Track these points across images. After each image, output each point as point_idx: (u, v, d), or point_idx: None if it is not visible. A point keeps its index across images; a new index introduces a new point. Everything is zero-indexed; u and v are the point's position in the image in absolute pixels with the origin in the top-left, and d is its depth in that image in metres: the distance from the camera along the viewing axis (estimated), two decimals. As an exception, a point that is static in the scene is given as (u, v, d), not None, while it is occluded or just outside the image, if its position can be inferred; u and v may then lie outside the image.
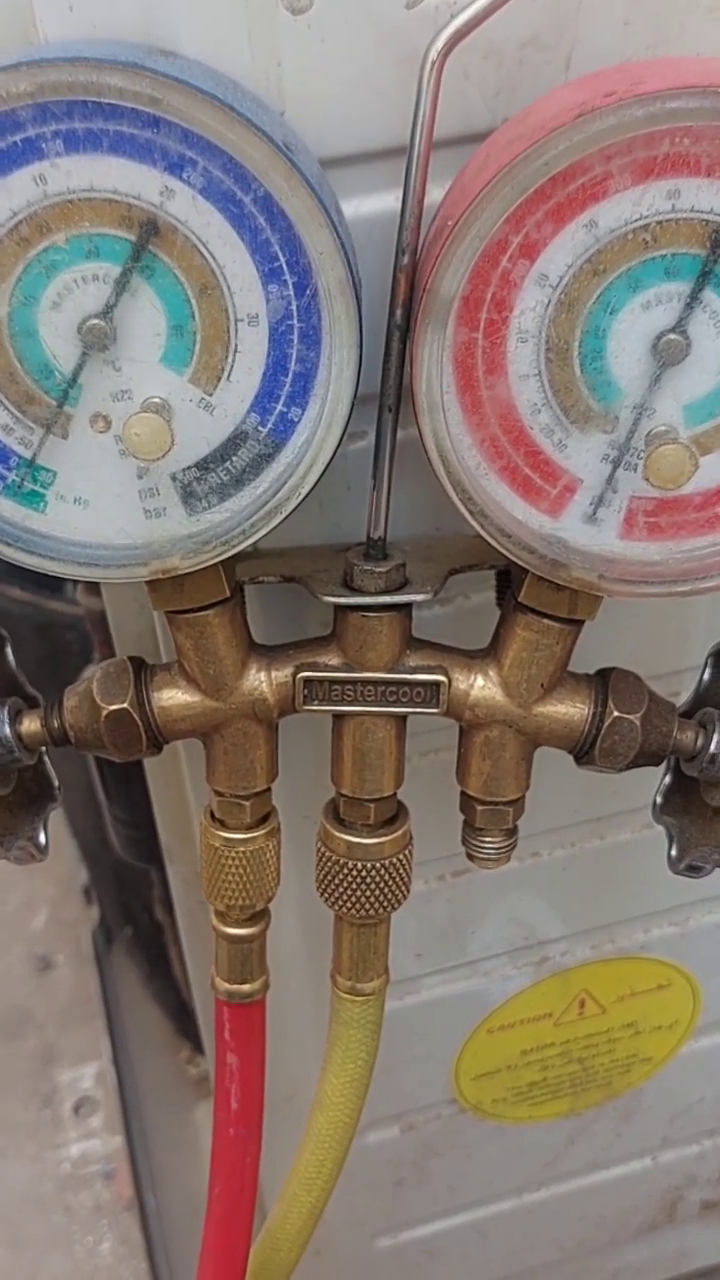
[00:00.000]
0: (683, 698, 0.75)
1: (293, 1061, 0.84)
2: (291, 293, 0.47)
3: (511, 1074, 0.93)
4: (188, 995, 1.15)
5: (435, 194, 0.53)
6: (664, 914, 0.88)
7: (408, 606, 0.56)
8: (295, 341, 0.48)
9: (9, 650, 0.60)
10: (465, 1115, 0.95)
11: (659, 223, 0.46)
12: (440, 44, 0.46)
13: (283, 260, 0.47)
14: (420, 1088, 0.92)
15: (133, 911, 1.31)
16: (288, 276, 0.47)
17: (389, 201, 0.53)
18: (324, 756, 0.61)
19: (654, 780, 0.63)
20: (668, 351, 0.47)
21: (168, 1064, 1.44)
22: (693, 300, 0.47)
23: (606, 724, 0.56)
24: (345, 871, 0.59)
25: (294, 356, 0.48)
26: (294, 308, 0.47)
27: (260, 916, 0.62)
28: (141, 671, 0.57)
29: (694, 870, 0.58)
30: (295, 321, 0.48)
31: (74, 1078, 1.47)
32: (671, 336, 0.47)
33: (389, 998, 0.67)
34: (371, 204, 0.53)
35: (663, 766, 0.60)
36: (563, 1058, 0.93)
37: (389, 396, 0.52)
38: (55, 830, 1.35)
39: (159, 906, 1.16)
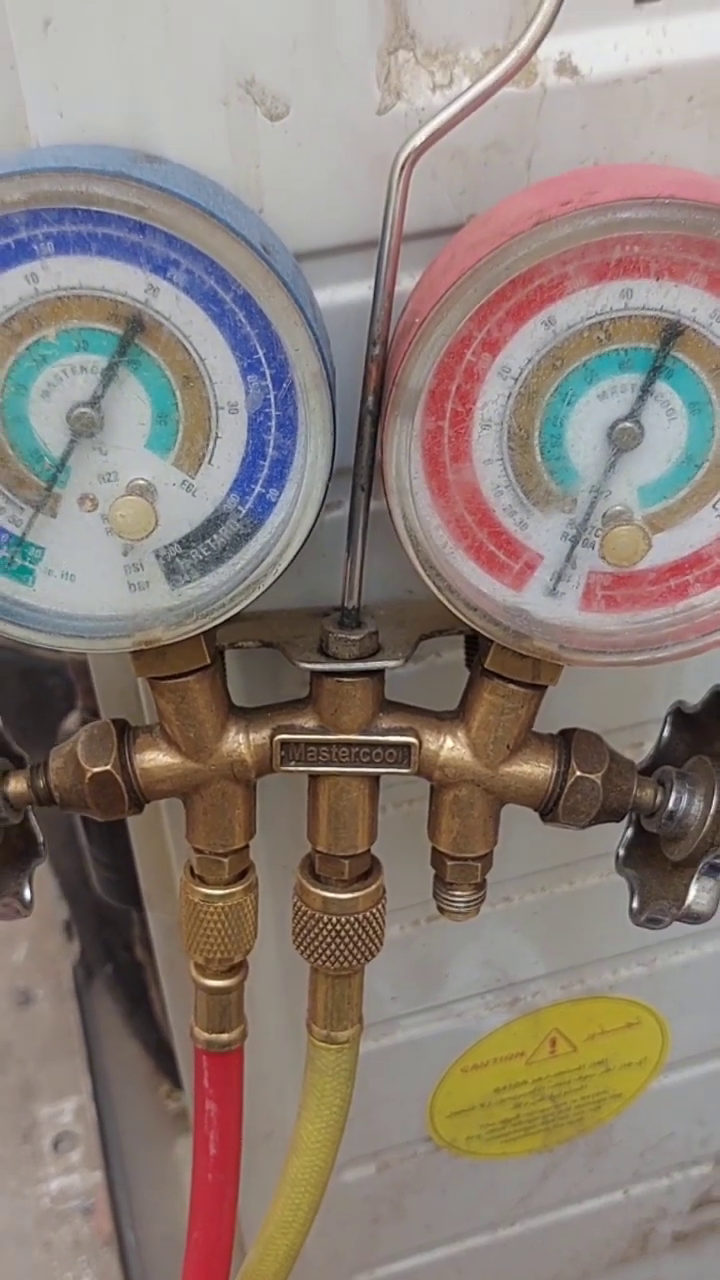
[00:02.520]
0: (645, 749, 0.78)
1: (271, 1101, 0.86)
2: (270, 384, 0.50)
3: (485, 1111, 0.95)
4: (168, 1033, 1.17)
5: (406, 283, 0.56)
6: (632, 954, 0.90)
7: (380, 672, 0.58)
8: (273, 430, 0.51)
9: (-3, 711, 0.63)
10: (440, 1153, 0.97)
11: (613, 320, 0.49)
12: (408, 152, 0.49)
13: (261, 354, 0.50)
14: (396, 1126, 0.94)
15: (113, 949, 1.33)
16: (266, 369, 0.50)
17: (363, 290, 0.56)
18: (303, 809, 0.63)
19: (620, 828, 0.66)
20: (622, 439, 0.50)
21: (147, 1099, 1.45)
22: (645, 391, 0.50)
23: (569, 783, 0.59)
24: (320, 925, 0.61)
25: (271, 443, 0.51)
26: (272, 398, 0.50)
27: (238, 968, 0.64)
28: (125, 734, 0.59)
29: (653, 923, 0.60)
30: (273, 410, 0.51)
31: (54, 1113, 1.48)
32: (626, 425, 0.50)
33: (365, 1039, 0.69)
34: (347, 293, 0.56)
35: (625, 820, 0.63)
36: (535, 1095, 0.96)
37: (362, 476, 0.54)
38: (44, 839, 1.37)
39: (139, 946, 1.18)
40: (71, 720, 0.93)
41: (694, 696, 0.64)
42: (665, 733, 0.64)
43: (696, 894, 0.57)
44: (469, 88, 0.49)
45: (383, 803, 0.65)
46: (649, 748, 0.68)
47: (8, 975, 1.60)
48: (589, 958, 0.89)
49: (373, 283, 0.52)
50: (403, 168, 0.50)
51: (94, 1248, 1.35)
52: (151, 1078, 1.42)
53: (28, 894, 0.62)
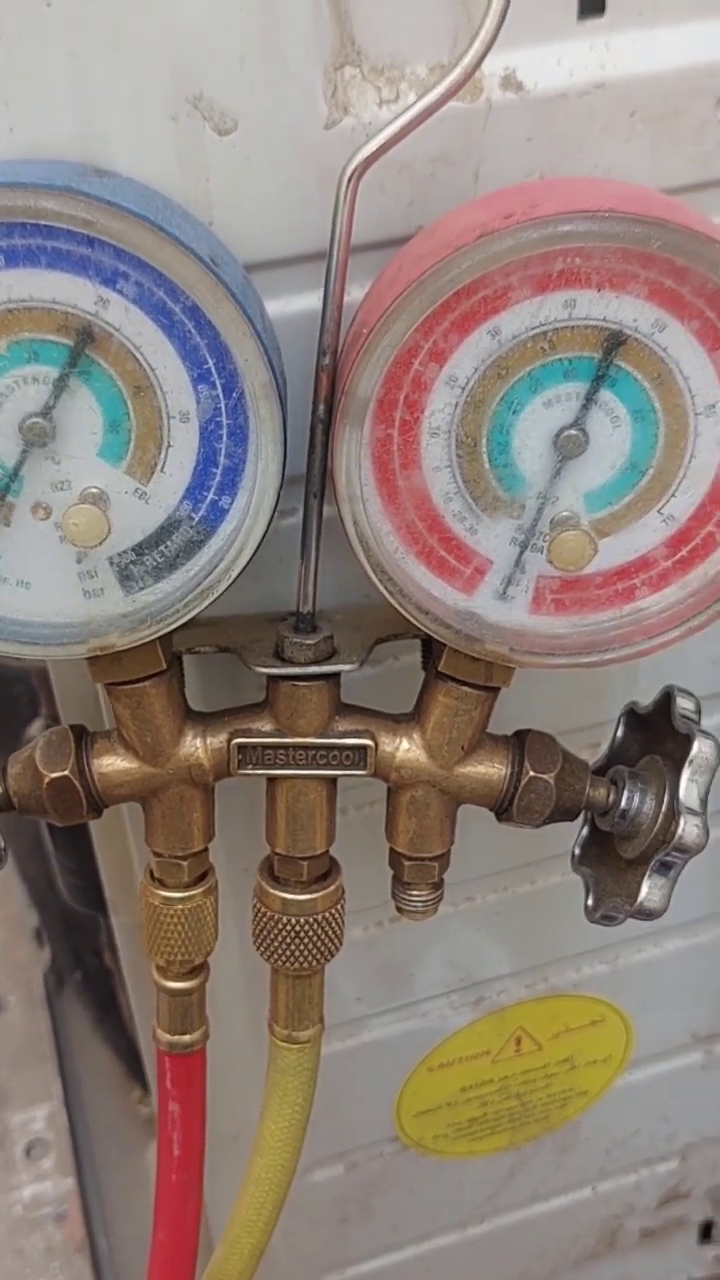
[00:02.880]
0: (601, 749, 0.79)
1: (236, 1102, 0.87)
2: (220, 393, 0.51)
3: (452, 1110, 0.96)
4: (137, 1038, 1.17)
5: (356, 293, 0.57)
6: (595, 953, 0.91)
7: (336, 675, 0.59)
8: (224, 438, 0.52)
9: (-43, 718, 0.63)
10: (407, 1152, 0.98)
11: (556, 330, 0.50)
12: (354, 166, 0.50)
13: (211, 364, 0.50)
14: (362, 1126, 0.95)
15: (82, 956, 1.33)
16: (216, 379, 0.51)
17: (313, 301, 0.57)
18: (262, 812, 0.64)
19: (576, 827, 0.67)
20: (567, 446, 0.52)
21: (119, 1105, 1.45)
22: (589, 399, 0.51)
23: (523, 783, 0.60)
24: (280, 926, 0.62)
25: (223, 452, 0.52)
26: (222, 407, 0.51)
27: (199, 970, 0.65)
28: (83, 739, 0.60)
29: (608, 920, 0.61)
30: (224, 419, 0.51)
31: (25, 1119, 1.48)
32: (571, 432, 0.51)
33: (330, 1040, 0.70)
34: (298, 303, 0.57)
35: (580, 819, 0.64)
36: (501, 1093, 0.97)
37: (314, 484, 0.55)
38: (5, 873, 1.37)
39: (107, 951, 1.19)
40: (35, 727, 0.93)
41: (648, 698, 0.65)
42: (619, 733, 0.65)
43: (649, 891, 0.58)
44: (414, 103, 0.50)
45: (343, 805, 0.66)
46: (605, 749, 0.69)
47: (-22, 983, 1.60)
48: (552, 956, 0.90)
49: (322, 293, 0.53)
50: (349, 181, 0.51)
51: (66, 1254, 1.35)
52: (123, 1083, 1.43)
53: (-11, 900, 0.62)
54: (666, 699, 0.62)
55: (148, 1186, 1.40)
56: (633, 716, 0.64)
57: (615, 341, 0.50)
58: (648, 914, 0.59)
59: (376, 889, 0.69)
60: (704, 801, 0.58)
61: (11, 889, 1.42)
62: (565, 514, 0.53)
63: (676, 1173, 1.12)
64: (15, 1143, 1.46)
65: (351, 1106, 0.93)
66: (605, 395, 0.51)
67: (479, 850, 0.74)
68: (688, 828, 0.57)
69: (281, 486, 0.53)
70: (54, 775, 0.59)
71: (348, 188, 0.51)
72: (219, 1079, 0.72)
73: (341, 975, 0.84)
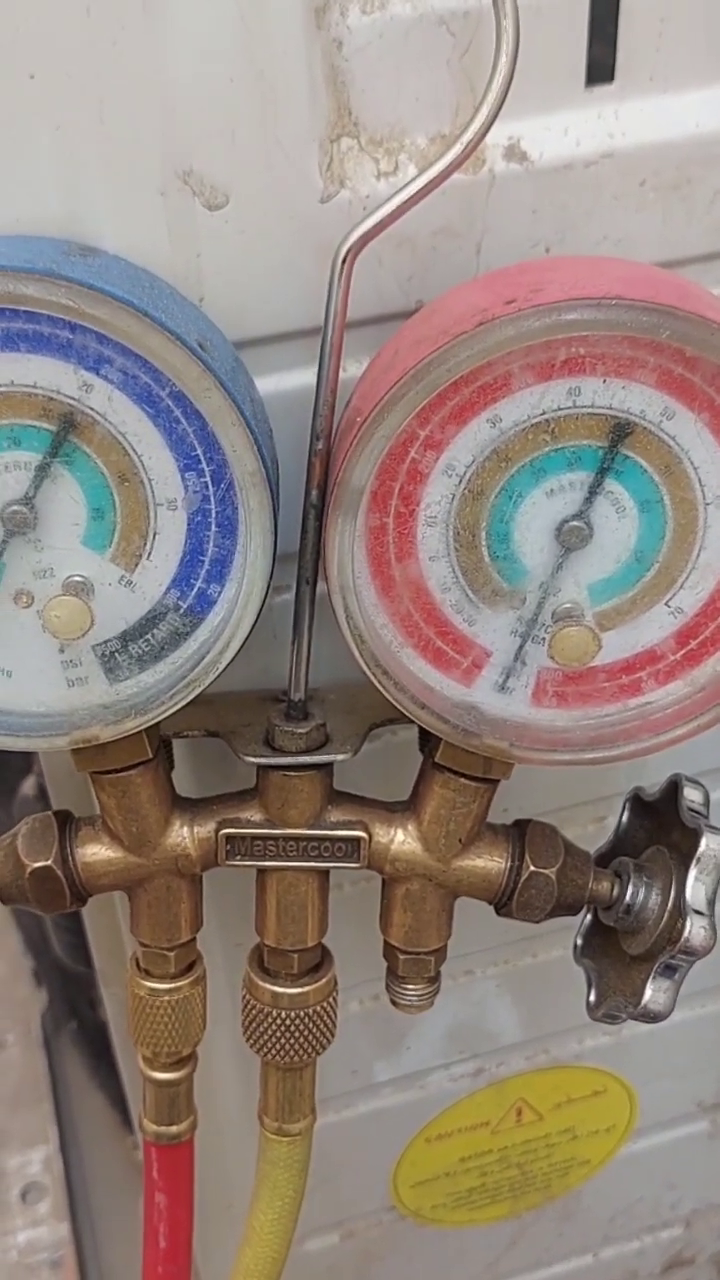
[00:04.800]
0: (608, 823, 0.77)
1: (231, 1171, 0.85)
2: (209, 481, 0.49)
3: (450, 1180, 0.94)
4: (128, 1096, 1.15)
5: (353, 369, 0.55)
6: (597, 1024, 0.88)
7: (328, 764, 0.57)
8: (213, 528, 0.50)
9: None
10: (405, 1221, 0.95)
11: (559, 419, 0.48)
12: (349, 246, 0.48)
13: (199, 452, 0.48)
14: (359, 1195, 0.93)
15: (77, 1006, 1.31)
16: (205, 467, 0.49)
17: (308, 377, 0.54)
18: (254, 888, 0.61)
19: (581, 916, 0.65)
20: (570, 538, 0.49)
21: (114, 1151, 1.43)
22: (594, 490, 0.49)
23: (524, 878, 0.57)
24: (270, 1020, 0.60)
25: (211, 541, 0.50)
26: (210, 495, 0.49)
27: (187, 1060, 0.63)
28: (67, 827, 0.58)
29: (610, 1019, 0.59)
30: (213, 508, 0.49)
31: (22, 1163, 1.46)
32: (574, 524, 0.49)
33: (326, 1111, 0.67)
34: (292, 379, 0.55)
35: (582, 910, 0.62)
36: (501, 1163, 0.94)
37: (306, 569, 0.53)
38: (2, 915, 1.35)
39: (101, 1005, 1.16)
40: (28, 785, 0.91)
41: (658, 774, 0.63)
42: (624, 819, 0.63)
43: (653, 994, 0.56)
44: (414, 178, 0.48)
45: (339, 880, 0.64)
46: (612, 821, 0.67)
47: (-24, 1021, 1.58)
48: (553, 1028, 0.87)
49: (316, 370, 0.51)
50: (344, 260, 0.48)
51: (61, 1302, 1.33)
52: (117, 1130, 1.41)
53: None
54: (673, 787, 0.59)
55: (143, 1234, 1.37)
56: (638, 802, 0.62)
57: (622, 431, 0.48)
58: (652, 1017, 0.56)
59: (372, 963, 0.67)
60: (711, 902, 0.56)
61: (8, 933, 1.40)
62: (568, 606, 0.51)
63: (680, 1239, 1.09)
64: (11, 1186, 1.44)
65: (347, 1175, 0.90)
66: (611, 485, 0.49)
67: (478, 924, 0.71)
68: (694, 929, 0.55)
69: (271, 577, 0.51)
70: (36, 865, 0.56)
71: (343, 267, 0.48)
72: (211, 1148, 0.70)
73: (338, 1048, 0.81)
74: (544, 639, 0.51)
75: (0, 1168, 1.47)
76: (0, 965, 1.63)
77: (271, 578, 0.50)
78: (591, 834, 0.74)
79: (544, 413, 0.48)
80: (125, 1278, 1.36)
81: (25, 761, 0.94)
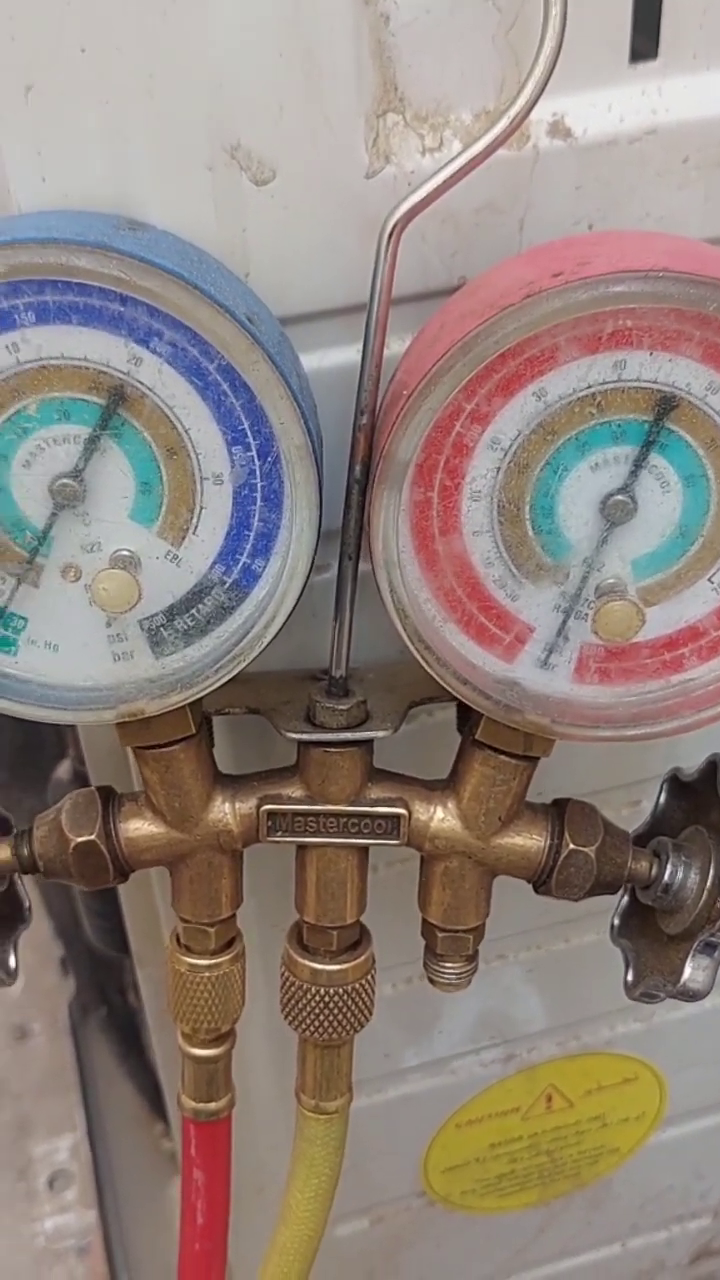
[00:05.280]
0: (644, 806, 0.77)
1: (263, 1154, 0.85)
2: (255, 455, 0.49)
3: (480, 1166, 0.94)
4: (160, 1078, 1.15)
5: (396, 347, 0.55)
6: (629, 1010, 0.89)
7: (369, 741, 0.57)
8: (258, 501, 0.50)
9: (-20, 775, 0.61)
10: (435, 1207, 0.96)
11: (605, 392, 0.48)
12: (395, 219, 0.48)
13: (246, 426, 0.49)
14: (389, 1181, 0.93)
15: (107, 993, 1.32)
16: (251, 441, 0.49)
17: (352, 354, 0.55)
18: (292, 868, 0.62)
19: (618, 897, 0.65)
20: (615, 512, 0.49)
21: (142, 1138, 1.43)
22: (638, 464, 0.49)
23: (563, 856, 0.57)
24: (309, 997, 0.60)
25: (257, 515, 0.50)
26: (257, 470, 0.49)
27: (226, 1037, 0.63)
28: (110, 802, 0.58)
29: (648, 998, 0.59)
30: (259, 482, 0.49)
31: (49, 1150, 1.46)
32: (619, 498, 0.49)
33: (357, 1095, 0.67)
34: (335, 356, 0.55)
35: (620, 889, 0.62)
36: (531, 1150, 0.94)
37: (349, 545, 0.53)
38: (32, 903, 1.36)
39: (133, 991, 1.17)
40: (63, 769, 0.91)
41: (694, 755, 0.63)
42: (661, 800, 0.62)
43: (692, 972, 0.56)
44: (459, 153, 0.48)
45: (374, 862, 0.64)
46: (647, 806, 0.67)
47: (4, 1010, 1.58)
48: (585, 1014, 0.87)
49: (361, 347, 0.51)
50: (390, 235, 0.49)
51: (88, 1289, 1.33)
52: (145, 1118, 1.41)
53: (12, 962, 0.61)
54: (712, 768, 0.59)
55: (170, 1222, 1.38)
56: (676, 783, 0.62)
57: (667, 404, 0.48)
58: (691, 995, 0.56)
59: (406, 946, 0.67)
60: (752, 880, 0.56)
61: (38, 921, 1.41)
62: (611, 581, 0.51)
63: (709, 1229, 1.09)
64: (38, 1174, 1.45)
65: (378, 1160, 0.91)
66: (655, 459, 0.49)
67: (512, 908, 0.71)
68: (735, 907, 0.55)
69: (316, 551, 0.51)
70: (80, 839, 0.57)
71: (389, 242, 0.49)
72: (244, 1129, 0.70)
73: (370, 1031, 0.81)
74: (587, 615, 0.51)
75: (27, 1155, 1.47)
76: (28, 954, 1.64)
77: (316, 551, 0.51)
78: (626, 818, 0.74)
79: (590, 386, 0.48)
80: (152, 1265, 1.36)
81: (59, 746, 0.95)
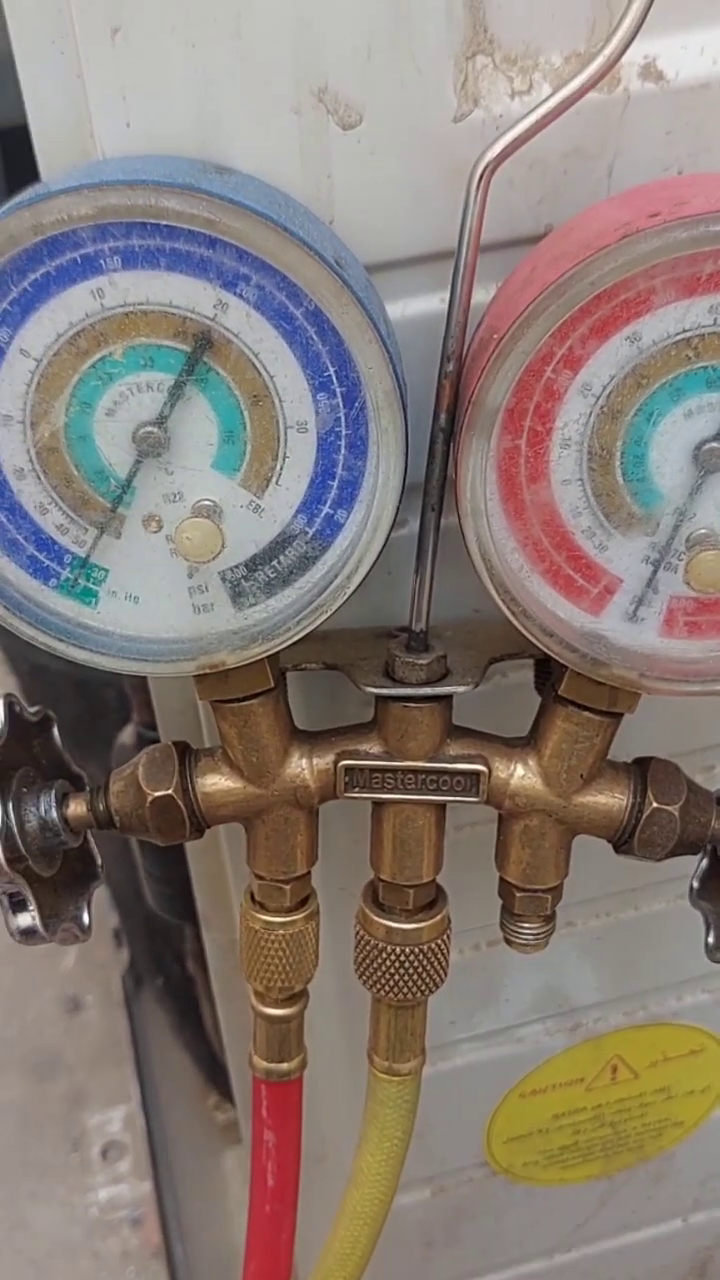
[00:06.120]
0: (717, 771, 0.76)
1: (325, 1123, 0.85)
2: (340, 403, 0.48)
3: (543, 1137, 0.93)
4: (219, 1048, 1.15)
5: (480, 297, 0.54)
6: (697, 981, 0.88)
7: (448, 697, 0.57)
8: (343, 449, 0.49)
9: (56, 731, 0.61)
10: (497, 1178, 0.95)
11: (702, 336, 0.47)
12: (486, 161, 0.47)
13: (332, 372, 0.48)
14: (452, 1151, 0.92)
15: (164, 962, 1.32)
16: (337, 388, 0.48)
17: (435, 303, 0.54)
18: (363, 830, 0.61)
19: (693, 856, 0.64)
20: (709, 460, 0.48)
21: (196, 1110, 1.44)
22: (735, 410, 0.48)
23: (645, 815, 0.57)
24: (384, 956, 0.60)
25: (341, 464, 0.49)
26: (342, 417, 0.49)
27: (299, 997, 0.63)
28: (186, 757, 0.58)
29: (731, 960, 0.58)
30: (344, 430, 0.49)
31: (102, 1121, 1.47)
32: (713, 445, 0.48)
33: (423, 1063, 0.67)
34: (418, 305, 0.55)
35: (700, 851, 0.61)
36: (595, 1121, 0.93)
37: (432, 496, 0.53)
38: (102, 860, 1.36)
39: (191, 960, 1.17)
40: (127, 734, 0.92)
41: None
42: (742, 760, 0.61)
43: (778, 932, 0.55)
44: (550, 95, 0.47)
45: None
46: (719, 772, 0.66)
47: (58, 982, 1.60)
48: (653, 984, 0.86)
49: (446, 296, 0.50)
50: (481, 178, 0.48)
51: (142, 1259, 1.34)
52: (200, 1089, 1.42)
53: (86, 918, 0.61)
54: None
55: (224, 1193, 1.39)
56: (759, 744, 0.61)
57: (764, 349, 0.47)
58: (777, 956, 0.55)
59: (474, 912, 0.66)
60: None
61: (94, 889, 1.42)
62: (704, 532, 0.50)
63: (773, 1206, 1.08)
64: (92, 1144, 1.46)
65: (441, 1130, 0.90)
66: (751, 406, 0.48)
67: (582, 874, 0.70)
68: None
69: (400, 501, 0.50)
70: (158, 794, 0.57)
71: (479, 185, 0.48)
72: (309, 1096, 0.70)
73: (436, 998, 0.81)
74: (678, 566, 0.50)
75: (81, 1125, 1.48)
76: (80, 927, 1.65)
77: (401, 500, 0.50)
78: (702, 782, 0.73)
79: (686, 330, 0.47)
80: (206, 1235, 1.37)
81: (122, 712, 0.95)
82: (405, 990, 0.61)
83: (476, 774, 0.57)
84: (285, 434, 0.49)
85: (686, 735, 0.74)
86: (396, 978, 0.60)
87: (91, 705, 1.00)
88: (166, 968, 1.33)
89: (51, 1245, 1.37)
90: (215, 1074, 1.33)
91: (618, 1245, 1.05)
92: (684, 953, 0.86)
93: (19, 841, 0.56)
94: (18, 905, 0.57)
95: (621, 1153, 0.96)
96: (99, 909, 1.54)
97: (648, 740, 0.70)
